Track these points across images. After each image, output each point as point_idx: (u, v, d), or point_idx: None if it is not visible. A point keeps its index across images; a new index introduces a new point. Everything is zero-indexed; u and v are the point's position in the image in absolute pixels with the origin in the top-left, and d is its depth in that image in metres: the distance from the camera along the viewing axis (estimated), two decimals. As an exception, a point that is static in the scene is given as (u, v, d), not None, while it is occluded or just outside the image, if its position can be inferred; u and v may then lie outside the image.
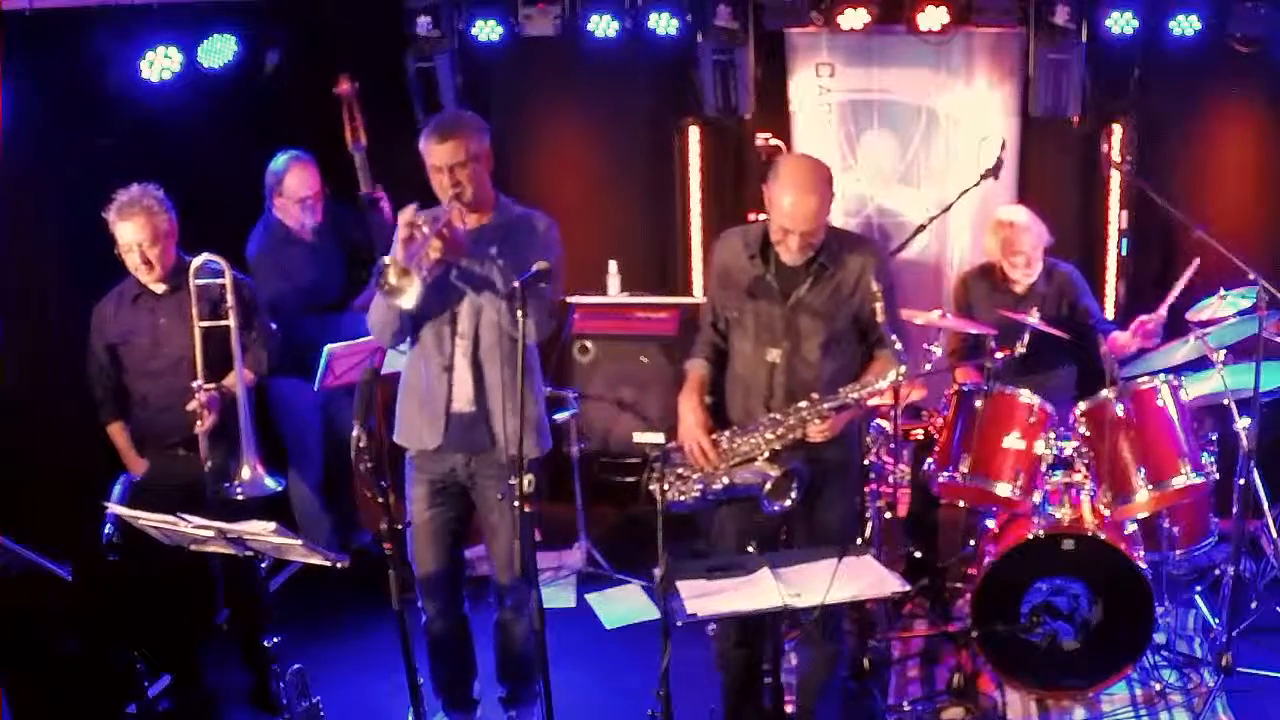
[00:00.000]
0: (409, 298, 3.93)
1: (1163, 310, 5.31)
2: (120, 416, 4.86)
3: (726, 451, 4.17)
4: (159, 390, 4.78)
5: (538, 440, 4.35)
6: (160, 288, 4.75)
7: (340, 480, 6.12)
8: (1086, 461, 5.00)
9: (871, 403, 5.39)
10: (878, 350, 4.19)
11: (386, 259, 3.93)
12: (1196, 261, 5.22)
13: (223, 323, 4.70)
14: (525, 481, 3.81)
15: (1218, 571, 5.35)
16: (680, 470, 4.24)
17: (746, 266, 4.20)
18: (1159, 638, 5.00)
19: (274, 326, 5.03)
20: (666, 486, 4.11)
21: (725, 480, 4.17)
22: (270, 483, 4.73)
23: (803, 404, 4.11)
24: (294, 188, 5.67)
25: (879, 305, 3.98)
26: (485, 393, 4.24)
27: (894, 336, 4.00)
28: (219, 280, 4.71)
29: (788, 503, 4.12)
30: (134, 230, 4.61)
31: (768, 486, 4.10)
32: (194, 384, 4.64)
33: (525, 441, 4.13)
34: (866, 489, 5.40)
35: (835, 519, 4.28)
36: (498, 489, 4.26)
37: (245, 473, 4.68)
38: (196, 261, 4.70)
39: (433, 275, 4.04)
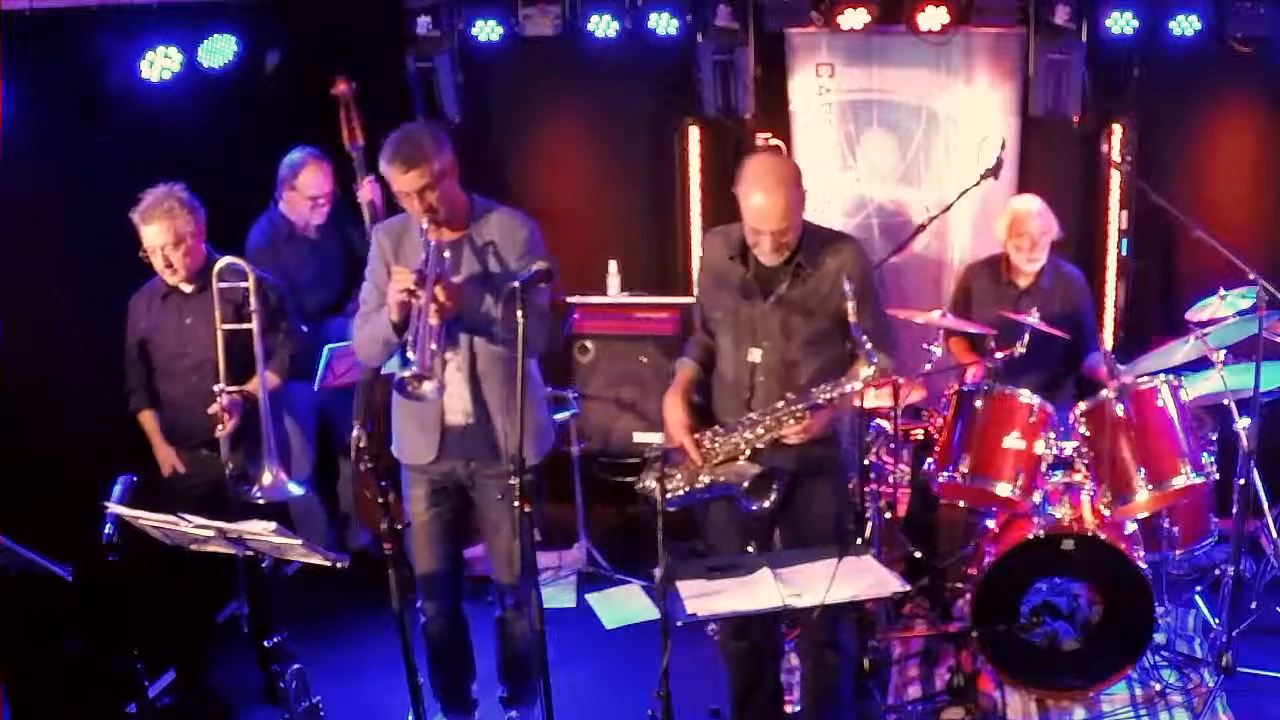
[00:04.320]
0: (432, 389, 3.96)
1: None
2: (151, 405, 4.88)
3: (709, 450, 4.17)
4: (182, 390, 4.79)
5: (538, 446, 4.35)
6: (188, 287, 4.76)
7: (336, 480, 6.13)
8: (1086, 461, 5.00)
9: (869, 402, 5.43)
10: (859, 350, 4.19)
11: (406, 373, 3.92)
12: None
13: (245, 326, 4.69)
14: (520, 482, 3.82)
15: (1218, 571, 5.35)
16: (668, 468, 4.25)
17: (728, 267, 4.20)
18: (1159, 638, 5.01)
19: (304, 329, 5.01)
20: (663, 485, 4.11)
21: (707, 479, 4.17)
22: (294, 488, 4.72)
23: (779, 404, 4.11)
24: (307, 184, 5.68)
25: (850, 305, 3.97)
26: (485, 404, 4.23)
27: (864, 338, 3.98)
28: (242, 284, 4.70)
29: (767, 503, 4.11)
30: (156, 234, 4.61)
31: (745, 485, 4.10)
32: (216, 387, 4.64)
33: (525, 450, 4.14)
34: (867, 489, 5.40)
35: (820, 517, 4.26)
36: (497, 488, 4.26)
37: (266, 478, 4.66)
38: (220, 264, 4.69)
39: (441, 346, 4.02)
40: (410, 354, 3.96)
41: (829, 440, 4.25)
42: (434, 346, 3.96)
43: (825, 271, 4.12)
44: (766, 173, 4.04)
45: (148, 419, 4.90)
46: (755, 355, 4.16)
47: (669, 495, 4.21)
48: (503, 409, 4.22)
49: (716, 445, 4.18)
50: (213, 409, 4.64)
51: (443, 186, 4.07)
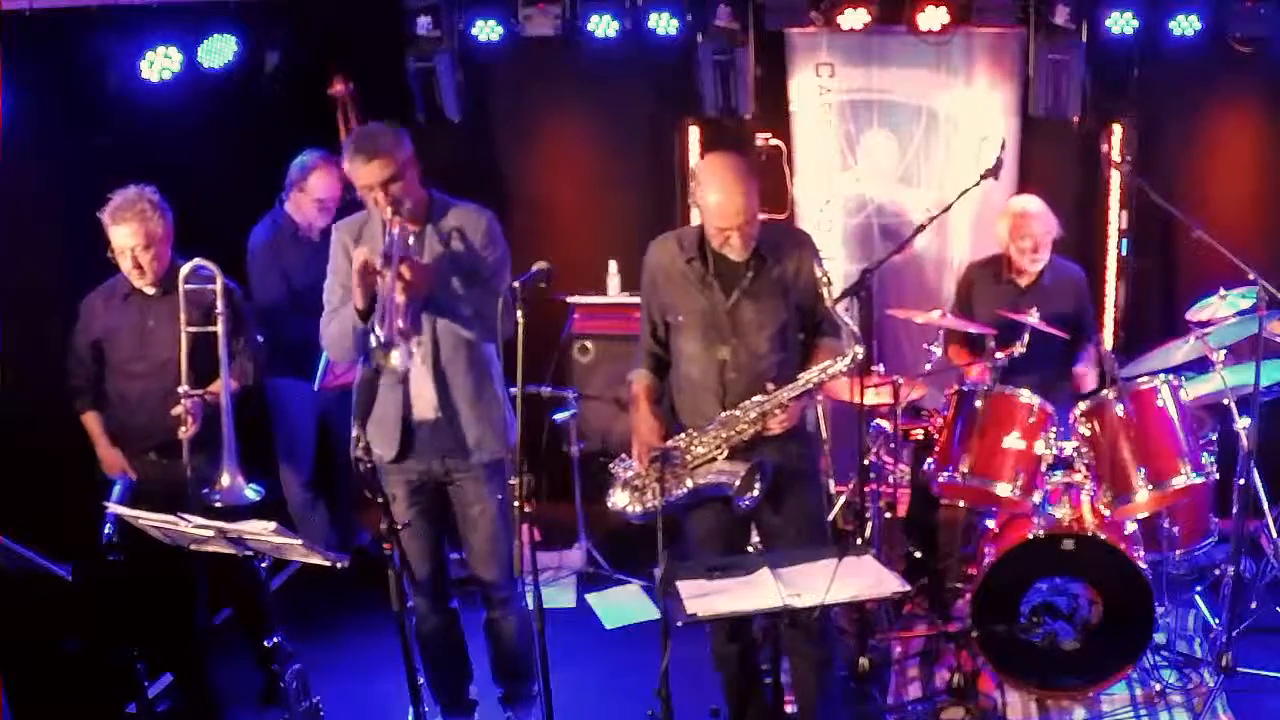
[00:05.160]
0: (400, 360, 3.95)
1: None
2: (96, 407, 4.82)
3: (686, 455, 4.18)
4: (138, 391, 4.74)
5: (502, 440, 4.33)
6: (152, 289, 4.73)
7: (336, 480, 6.13)
8: (1086, 461, 5.00)
9: (870, 401, 5.43)
10: (820, 339, 4.24)
11: (373, 341, 3.92)
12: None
13: (211, 328, 4.67)
14: (520, 482, 3.82)
15: (1218, 571, 5.35)
16: (635, 481, 4.24)
17: (685, 269, 4.21)
18: (1159, 638, 5.00)
19: (260, 339, 5.00)
20: (665, 486, 4.11)
21: (689, 483, 4.17)
22: (250, 492, 4.66)
23: (760, 397, 4.13)
24: (316, 187, 5.68)
25: (825, 290, 4.04)
26: (451, 398, 4.24)
27: (847, 319, 4.06)
28: (210, 286, 4.67)
29: (755, 494, 4.12)
30: (127, 235, 4.58)
31: (736, 484, 4.10)
32: (180, 389, 4.60)
33: (490, 444, 4.21)
34: (867, 489, 5.40)
35: (804, 508, 4.29)
36: (475, 484, 4.29)
37: (225, 480, 4.62)
38: (186, 267, 4.66)
39: (408, 322, 4.02)
40: (377, 328, 3.95)
41: (802, 433, 4.27)
42: (401, 323, 3.95)
43: (787, 263, 4.17)
44: (723, 170, 4.07)
45: (91, 420, 4.83)
46: (724, 353, 4.18)
47: (645, 507, 4.21)
48: (468, 399, 4.24)
49: (693, 449, 4.18)
50: (176, 411, 4.60)
51: (405, 179, 4.11)
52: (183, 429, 4.62)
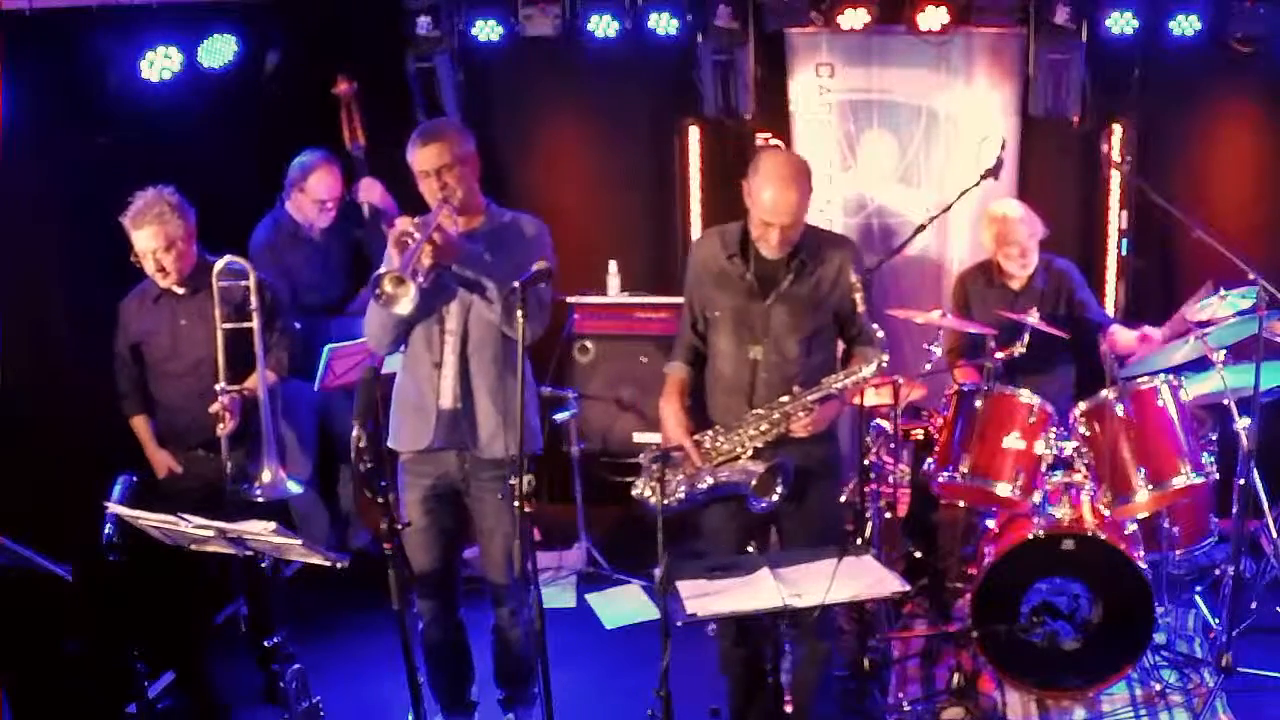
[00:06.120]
0: (405, 304, 3.93)
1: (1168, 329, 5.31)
2: (143, 410, 4.87)
3: (710, 451, 4.19)
4: (178, 391, 4.78)
5: (517, 442, 4.32)
6: (181, 289, 4.76)
7: (336, 480, 6.12)
8: (1086, 461, 5.01)
9: (870, 401, 5.43)
10: (856, 347, 4.25)
11: (382, 270, 3.93)
12: (1209, 284, 5.18)
13: (245, 324, 4.69)
14: (525, 481, 3.81)
15: (1218, 571, 5.36)
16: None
17: (726, 266, 4.23)
18: (1159, 638, 5.01)
19: (297, 325, 5.02)
20: (664, 487, 4.11)
21: (710, 480, 4.17)
22: (292, 485, 4.73)
23: (784, 398, 4.14)
24: (317, 187, 5.69)
25: (859, 296, 4.06)
26: (471, 389, 4.25)
27: (875, 326, 4.08)
28: (242, 282, 4.70)
29: (774, 498, 4.13)
30: (147, 238, 4.61)
31: (753, 483, 4.10)
32: (217, 386, 4.64)
33: (506, 439, 4.20)
34: (867, 489, 5.41)
35: (819, 516, 4.30)
36: (494, 490, 4.27)
37: (266, 475, 4.67)
38: (220, 264, 4.69)
39: (428, 281, 4.04)
40: (396, 260, 3.95)
41: (828, 438, 4.28)
42: (421, 280, 3.95)
43: (827, 269, 4.18)
44: (781, 166, 4.08)
45: (140, 424, 4.89)
46: (756, 352, 4.19)
47: (668, 499, 4.21)
48: (488, 390, 4.25)
49: (718, 445, 4.19)
50: (214, 408, 4.64)
51: (461, 172, 4.16)
52: (221, 426, 4.64)
